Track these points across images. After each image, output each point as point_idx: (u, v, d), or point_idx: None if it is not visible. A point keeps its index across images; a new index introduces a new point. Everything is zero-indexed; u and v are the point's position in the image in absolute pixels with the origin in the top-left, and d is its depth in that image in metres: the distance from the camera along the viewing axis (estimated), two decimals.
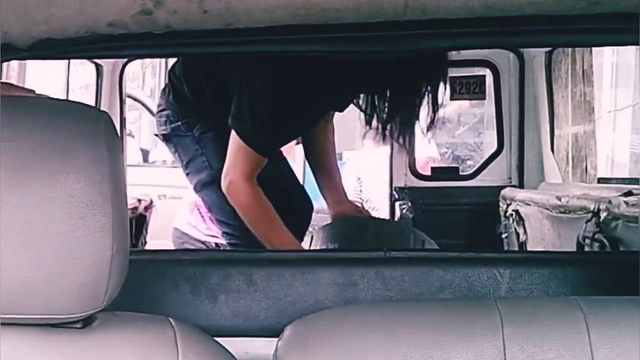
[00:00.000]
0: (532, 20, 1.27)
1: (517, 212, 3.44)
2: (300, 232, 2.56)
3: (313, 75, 2.15)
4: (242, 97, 2.27)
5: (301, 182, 3.23)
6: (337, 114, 2.75)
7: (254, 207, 2.30)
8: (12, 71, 4.00)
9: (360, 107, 2.39)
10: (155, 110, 2.77)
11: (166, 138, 2.55)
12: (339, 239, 2.53)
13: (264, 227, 2.31)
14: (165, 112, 2.54)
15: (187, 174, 2.54)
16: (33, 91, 2.15)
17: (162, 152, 6.70)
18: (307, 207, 2.69)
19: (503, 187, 3.83)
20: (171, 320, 0.87)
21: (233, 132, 2.27)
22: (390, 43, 1.35)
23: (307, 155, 2.77)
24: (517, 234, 3.45)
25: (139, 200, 3.53)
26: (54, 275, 0.76)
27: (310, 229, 2.74)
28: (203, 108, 2.48)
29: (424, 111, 2.63)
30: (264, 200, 2.30)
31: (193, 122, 2.48)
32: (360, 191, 4.85)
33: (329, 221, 2.73)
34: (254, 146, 2.24)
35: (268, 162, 2.33)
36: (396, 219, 4.01)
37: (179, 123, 2.49)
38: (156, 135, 2.63)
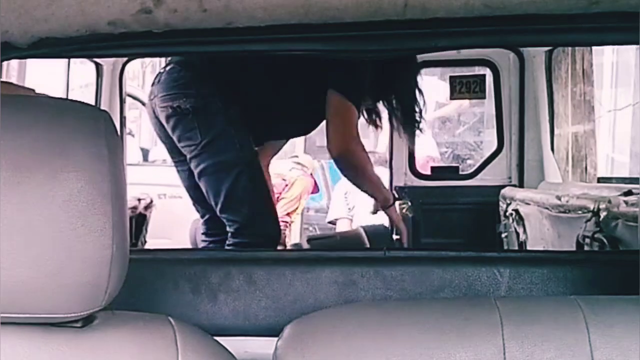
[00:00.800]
0: (532, 20, 1.27)
1: (517, 211, 3.44)
2: (274, 239, 2.63)
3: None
4: (341, 64, 2.37)
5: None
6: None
7: (368, 163, 2.60)
8: (12, 70, 3.99)
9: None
10: None
11: (193, 111, 2.50)
12: None
13: (374, 176, 2.68)
14: (193, 84, 2.51)
15: (198, 153, 2.52)
16: (33, 90, 2.15)
17: (161, 151, 6.70)
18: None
19: (503, 186, 3.83)
20: (171, 319, 0.87)
21: (336, 99, 2.41)
22: (390, 42, 1.35)
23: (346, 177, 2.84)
24: (517, 234, 3.45)
25: (139, 200, 3.53)
26: (53, 274, 0.76)
27: (311, 227, 2.81)
28: (243, 87, 2.53)
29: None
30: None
31: (231, 102, 2.51)
32: (349, 208, 4.97)
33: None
34: (355, 104, 2.43)
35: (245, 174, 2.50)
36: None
37: (213, 98, 2.50)
38: (172, 108, 2.55)
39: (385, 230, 3.31)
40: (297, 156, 5.83)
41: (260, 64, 2.49)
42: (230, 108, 2.51)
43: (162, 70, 2.64)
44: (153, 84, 2.66)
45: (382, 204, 2.78)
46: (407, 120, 2.73)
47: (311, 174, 5.80)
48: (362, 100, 2.56)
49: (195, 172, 2.56)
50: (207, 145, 2.50)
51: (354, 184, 2.81)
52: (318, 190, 5.99)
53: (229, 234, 2.57)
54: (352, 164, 2.56)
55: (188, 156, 2.55)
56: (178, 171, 2.75)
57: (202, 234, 2.82)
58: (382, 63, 2.40)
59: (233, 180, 2.50)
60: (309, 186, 5.71)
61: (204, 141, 2.50)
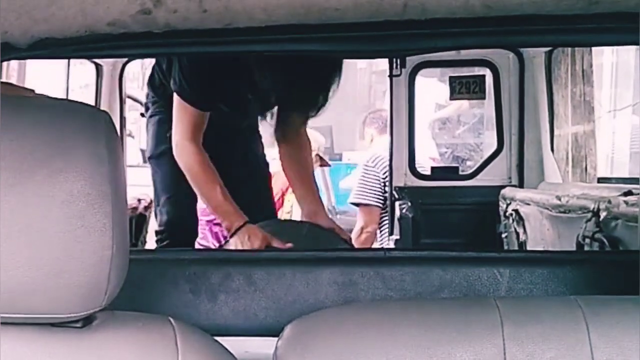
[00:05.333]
0: (531, 20, 1.28)
1: (516, 211, 3.44)
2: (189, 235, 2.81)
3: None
4: (180, 62, 2.38)
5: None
6: (336, 116, 2.80)
7: (197, 168, 2.35)
8: (12, 71, 3.99)
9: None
10: None
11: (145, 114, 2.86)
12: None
13: (206, 189, 2.34)
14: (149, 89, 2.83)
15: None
16: (33, 91, 2.15)
17: None
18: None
19: (503, 186, 3.83)
20: (171, 319, 0.87)
21: (175, 98, 2.40)
22: (390, 42, 1.35)
23: (285, 168, 2.78)
24: (517, 234, 3.45)
25: (139, 200, 3.53)
26: (53, 275, 0.76)
27: None
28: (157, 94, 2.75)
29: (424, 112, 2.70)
30: (208, 162, 2.35)
31: (149, 105, 2.78)
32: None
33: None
34: (190, 101, 2.37)
35: (236, 162, 2.59)
36: (396, 218, 4.02)
37: (147, 103, 2.82)
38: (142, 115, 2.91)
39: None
40: None
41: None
42: (149, 109, 2.78)
43: None
44: None
45: (226, 229, 2.33)
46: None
47: (318, 155, 4.70)
48: (209, 102, 2.47)
49: None
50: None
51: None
52: (328, 164, 5.18)
53: None
54: (180, 165, 2.42)
55: None
56: None
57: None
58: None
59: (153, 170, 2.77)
60: None
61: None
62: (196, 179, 2.35)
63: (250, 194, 2.64)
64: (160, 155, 2.69)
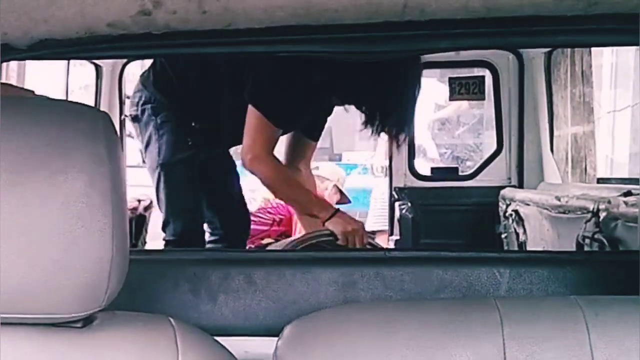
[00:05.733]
0: (531, 21, 1.28)
1: (516, 212, 3.44)
2: (242, 239, 2.85)
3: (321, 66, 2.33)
4: (260, 76, 2.44)
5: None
6: (335, 116, 2.85)
7: (279, 177, 2.52)
8: (12, 72, 3.99)
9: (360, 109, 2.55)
10: None
11: (135, 119, 2.74)
12: None
13: (293, 192, 2.59)
14: (137, 93, 2.74)
15: (145, 156, 2.77)
16: (32, 92, 2.15)
17: None
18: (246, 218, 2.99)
19: (502, 187, 3.83)
20: (171, 319, 0.87)
21: (251, 110, 2.43)
22: (389, 44, 1.35)
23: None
24: (517, 234, 3.45)
25: (139, 201, 3.52)
26: (54, 275, 0.76)
27: None
28: (173, 98, 2.67)
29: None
30: (286, 170, 2.61)
31: (160, 109, 2.68)
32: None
33: None
34: (273, 120, 2.43)
35: (219, 178, 2.70)
36: (395, 219, 4.02)
37: (146, 106, 2.70)
38: (126, 115, 2.82)
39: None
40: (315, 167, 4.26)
41: (197, 69, 2.62)
42: (159, 114, 2.67)
43: None
44: None
45: (322, 220, 2.55)
46: (398, 128, 2.69)
47: (339, 189, 4.48)
48: (292, 120, 2.57)
49: None
50: (144, 149, 2.74)
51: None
52: (349, 201, 4.60)
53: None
54: (258, 177, 2.53)
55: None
56: None
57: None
58: (372, 68, 2.34)
59: (155, 183, 2.71)
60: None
61: (143, 144, 2.73)
62: (282, 186, 2.56)
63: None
64: (178, 163, 2.68)
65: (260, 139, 2.44)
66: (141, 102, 2.71)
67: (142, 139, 2.74)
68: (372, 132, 2.63)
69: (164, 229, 2.76)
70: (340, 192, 4.47)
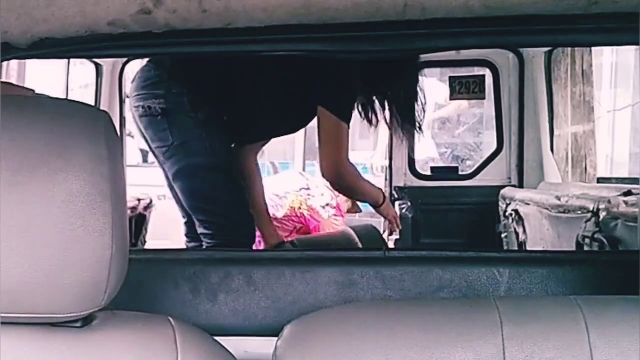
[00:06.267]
0: (531, 20, 1.27)
1: (516, 211, 3.44)
2: (249, 241, 2.65)
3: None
4: (332, 79, 2.41)
5: None
6: None
7: (358, 179, 2.66)
8: (12, 70, 3.99)
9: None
10: None
11: (163, 112, 2.45)
12: None
13: (366, 186, 2.76)
14: (163, 84, 2.46)
15: (170, 155, 2.48)
16: (32, 90, 2.15)
17: None
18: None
19: (502, 186, 3.83)
20: (171, 319, 0.87)
21: (328, 119, 2.41)
22: (390, 42, 1.35)
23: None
24: (517, 234, 3.45)
25: (139, 200, 3.52)
26: (53, 274, 0.76)
27: None
28: (218, 92, 2.49)
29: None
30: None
31: (201, 104, 2.45)
32: None
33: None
34: (347, 122, 2.45)
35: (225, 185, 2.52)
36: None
37: (182, 99, 2.44)
38: (143, 107, 2.49)
39: (374, 229, 3.31)
40: (307, 188, 3.87)
41: (236, 64, 2.47)
42: (201, 109, 2.46)
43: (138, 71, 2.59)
44: (132, 81, 2.61)
45: (373, 205, 2.88)
46: (405, 119, 2.73)
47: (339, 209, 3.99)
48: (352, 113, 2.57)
49: (169, 174, 2.53)
50: (178, 147, 2.45)
51: (350, 196, 3.08)
52: (359, 210, 4.24)
53: (202, 237, 2.56)
54: (342, 185, 2.61)
55: (161, 158, 2.51)
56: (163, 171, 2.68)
57: (184, 235, 2.78)
58: (378, 61, 2.39)
59: (205, 184, 2.48)
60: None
61: (174, 143, 2.45)
62: (361, 186, 2.72)
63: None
64: (228, 163, 2.55)
65: (343, 145, 2.46)
66: (171, 95, 2.45)
67: (170, 134, 2.46)
68: (375, 122, 2.70)
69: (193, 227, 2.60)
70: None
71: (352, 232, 3.27)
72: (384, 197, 2.89)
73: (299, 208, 3.66)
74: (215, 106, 2.49)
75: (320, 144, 2.48)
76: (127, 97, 3.84)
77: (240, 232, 2.54)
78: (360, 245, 3.15)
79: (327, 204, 3.55)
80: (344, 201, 4.02)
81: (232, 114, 2.55)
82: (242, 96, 2.53)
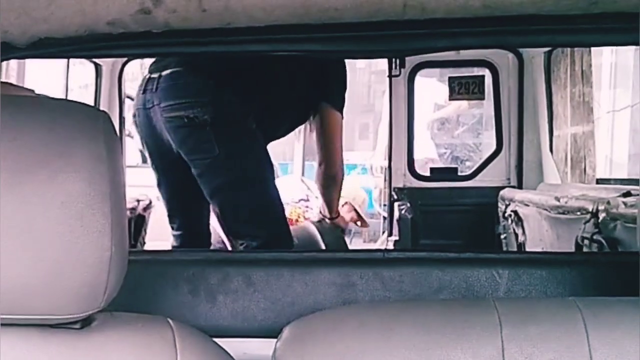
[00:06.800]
0: (531, 20, 1.27)
1: (515, 212, 3.44)
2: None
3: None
4: (339, 80, 2.54)
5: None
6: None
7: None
8: (12, 70, 3.99)
9: None
10: None
11: (209, 122, 2.32)
12: None
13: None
14: (209, 92, 2.33)
15: (215, 167, 2.37)
16: (32, 91, 2.15)
17: None
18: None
19: (502, 187, 3.83)
20: (170, 320, 0.87)
21: (335, 116, 2.54)
22: (389, 42, 1.35)
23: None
24: (516, 235, 3.45)
25: (138, 201, 3.52)
26: (52, 276, 0.76)
27: None
28: (263, 99, 2.43)
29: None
30: None
31: (246, 108, 2.38)
32: None
33: None
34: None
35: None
36: (395, 219, 4.02)
37: (231, 107, 2.35)
38: (186, 117, 2.34)
39: (337, 227, 3.35)
40: (306, 199, 3.98)
41: (261, 65, 2.41)
42: (248, 117, 2.37)
43: (155, 76, 2.44)
44: (145, 91, 2.46)
45: (330, 216, 3.05)
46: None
47: (353, 208, 4.04)
48: None
49: (208, 186, 2.41)
50: (225, 160, 2.34)
51: (330, 197, 2.98)
52: (366, 224, 4.25)
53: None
54: (341, 180, 2.76)
55: (198, 170, 2.39)
56: (160, 182, 2.60)
57: (174, 246, 2.68)
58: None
59: (253, 198, 2.41)
60: None
61: (221, 155, 2.33)
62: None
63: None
64: (270, 179, 2.49)
65: (342, 145, 2.57)
66: (220, 104, 2.33)
67: (216, 145, 2.33)
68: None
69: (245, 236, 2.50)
70: (357, 213, 4.08)
71: (314, 227, 3.28)
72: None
73: (297, 220, 3.70)
74: (262, 114, 2.42)
75: (330, 141, 2.55)
76: (128, 97, 3.84)
77: (282, 245, 2.47)
78: (321, 242, 3.16)
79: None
80: (347, 211, 4.02)
81: (269, 119, 2.50)
82: (274, 99, 2.50)
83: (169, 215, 2.69)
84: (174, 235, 2.70)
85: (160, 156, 2.54)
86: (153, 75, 2.45)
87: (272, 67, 2.42)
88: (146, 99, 2.45)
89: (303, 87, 2.55)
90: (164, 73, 2.41)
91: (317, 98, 2.54)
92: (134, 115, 2.54)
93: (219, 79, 2.34)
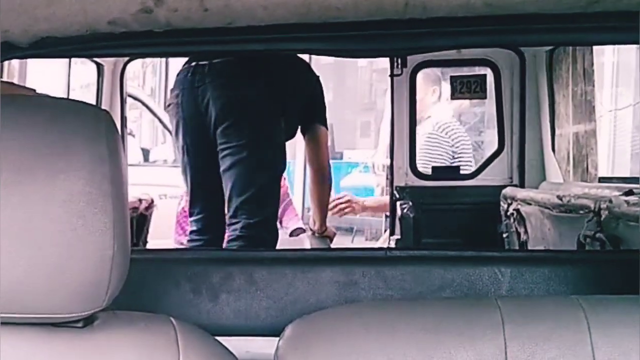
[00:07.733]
0: (533, 19, 1.27)
1: (518, 211, 3.44)
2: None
3: None
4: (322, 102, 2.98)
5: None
6: (336, 114, 3.12)
7: None
8: (13, 70, 4.00)
9: None
10: (155, 109, 2.88)
11: (249, 102, 2.66)
12: None
13: None
14: (249, 75, 2.63)
15: (244, 145, 2.63)
16: (34, 90, 2.15)
17: (162, 151, 6.69)
18: None
19: (504, 186, 3.82)
20: (172, 319, 0.87)
21: (323, 132, 2.96)
22: (391, 41, 1.35)
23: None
24: (518, 233, 3.45)
25: (140, 200, 3.52)
26: (54, 275, 0.76)
27: None
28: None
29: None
30: None
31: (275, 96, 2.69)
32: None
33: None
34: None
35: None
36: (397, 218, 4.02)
37: (267, 104, 2.69)
38: (237, 95, 2.67)
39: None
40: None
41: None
42: (278, 112, 2.71)
43: (205, 63, 2.65)
44: (194, 73, 2.67)
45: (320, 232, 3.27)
46: None
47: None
48: None
49: (229, 159, 2.63)
50: (255, 139, 2.61)
51: (322, 202, 3.26)
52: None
53: (234, 231, 2.64)
54: (329, 185, 3.12)
55: (226, 146, 2.62)
56: (187, 166, 2.78)
57: (193, 232, 2.85)
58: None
59: (266, 180, 2.67)
60: None
61: (253, 134, 2.61)
62: None
63: None
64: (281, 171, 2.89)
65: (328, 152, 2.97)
66: (260, 95, 2.65)
67: (253, 126, 2.65)
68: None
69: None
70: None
71: (308, 243, 3.41)
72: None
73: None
74: (289, 114, 2.78)
75: (321, 152, 3.00)
76: (130, 96, 3.87)
77: (270, 233, 2.71)
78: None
79: None
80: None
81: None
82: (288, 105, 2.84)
83: (191, 201, 2.84)
84: (192, 221, 2.85)
85: (196, 137, 2.71)
86: (202, 62, 2.67)
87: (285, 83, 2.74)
88: (196, 79, 2.67)
89: (300, 110, 2.88)
90: (213, 61, 2.65)
91: (310, 118, 2.92)
92: (177, 96, 2.72)
93: (257, 69, 2.64)
